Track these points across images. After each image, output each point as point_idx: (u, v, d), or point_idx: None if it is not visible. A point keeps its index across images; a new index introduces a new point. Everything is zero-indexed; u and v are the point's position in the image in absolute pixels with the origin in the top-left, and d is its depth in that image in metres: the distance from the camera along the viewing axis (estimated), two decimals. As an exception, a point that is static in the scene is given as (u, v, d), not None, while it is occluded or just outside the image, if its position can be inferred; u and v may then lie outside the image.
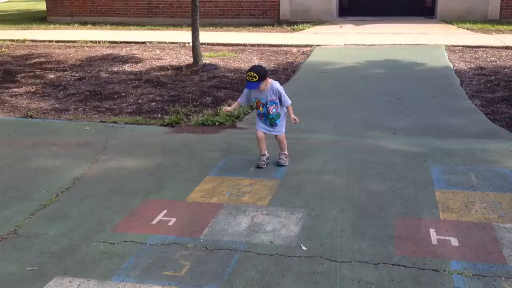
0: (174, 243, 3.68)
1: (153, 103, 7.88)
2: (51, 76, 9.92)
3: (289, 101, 5.00)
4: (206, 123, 6.64)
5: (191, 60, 10.71)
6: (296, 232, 3.81)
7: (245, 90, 5.06)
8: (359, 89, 8.40)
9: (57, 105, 7.83)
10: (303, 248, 3.59)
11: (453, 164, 5.05)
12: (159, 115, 7.18)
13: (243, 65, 10.51)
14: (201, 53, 10.63)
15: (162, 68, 10.51)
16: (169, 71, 10.16)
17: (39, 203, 4.39)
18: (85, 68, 10.66)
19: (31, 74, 10.13)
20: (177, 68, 10.38)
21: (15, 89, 8.87)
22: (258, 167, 5.05)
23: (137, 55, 11.95)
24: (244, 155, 5.43)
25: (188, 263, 3.43)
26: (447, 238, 3.67)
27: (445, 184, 4.60)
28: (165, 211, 4.18)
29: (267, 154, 5.14)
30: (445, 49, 11.63)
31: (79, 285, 3.19)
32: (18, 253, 3.60)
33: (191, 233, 3.83)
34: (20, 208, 4.31)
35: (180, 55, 11.96)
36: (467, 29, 14.42)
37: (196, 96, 8.21)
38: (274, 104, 4.92)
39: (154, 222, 4.02)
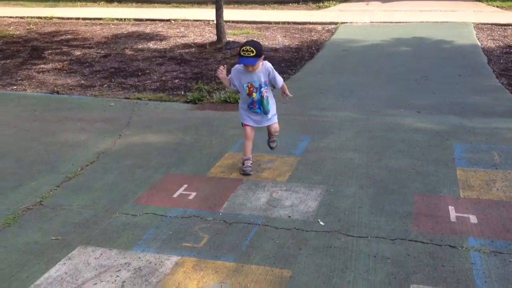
0: (193, 216, 3.75)
1: (176, 80, 7.94)
2: (77, 53, 10.06)
3: (282, 79, 4.41)
4: (228, 101, 6.67)
5: (215, 38, 10.71)
6: (314, 208, 3.84)
7: (234, 71, 4.32)
8: (384, 67, 8.31)
9: (83, 82, 7.95)
10: (321, 223, 3.62)
11: (476, 143, 4.99)
12: (182, 92, 7.23)
13: (267, 43, 10.47)
14: (225, 31, 10.62)
15: (186, 45, 10.54)
16: (193, 49, 10.19)
17: (65, 176, 4.51)
18: (111, 45, 10.77)
19: (58, 51, 10.28)
20: (201, 46, 10.40)
21: (42, 66, 9.03)
22: (246, 174, 4.43)
23: (161, 33, 12.01)
24: (264, 132, 5.45)
25: (207, 235, 3.49)
26: (466, 215, 3.65)
27: (467, 162, 4.56)
28: (185, 185, 4.25)
29: (251, 158, 4.54)
30: (474, 27, 11.38)
31: (101, 254, 3.29)
32: (43, 223, 3.71)
33: (211, 207, 3.89)
34: (46, 180, 4.43)
35: (204, 32, 11.98)
36: (497, 7, 14.07)
37: (219, 73, 8.23)
38: (266, 87, 4.29)
39: (175, 195, 4.09)
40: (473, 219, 3.60)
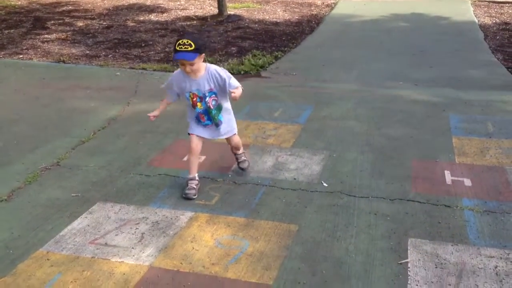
0: (204, 177, 3.96)
1: (180, 52, 8.07)
2: (80, 24, 10.15)
3: (238, 83, 3.66)
4: (232, 72, 6.81)
5: (216, 11, 10.82)
6: (318, 171, 4.06)
7: (174, 79, 3.68)
8: (383, 42, 8.48)
9: (87, 52, 8.08)
10: (324, 184, 3.85)
11: (471, 113, 5.22)
12: (186, 63, 7.38)
13: (267, 17, 10.59)
14: (226, 4, 10.72)
15: (187, 18, 10.64)
16: (195, 21, 10.30)
17: (78, 140, 4.70)
18: (112, 17, 10.85)
19: (60, 21, 10.36)
20: (202, 19, 10.51)
21: (46, 36, 9.13)
22: (187, 197, 3.63)
23: (162, 5, 12.08)
24: (268, 102, 5.65)
25: (218, 194, 3.71)
26: (461, 179, 3.88)
27: (462, 131, 4.79)
28: (195, 150, 4.45)
29: (197, 178, 3.76)
30: (471, 3, 11.52)
31: (120, 209, 3.51)
32: (62, 181, 3.92)
33: (220, 169, 4.10)
34: (61, 143, 4.63)
35: (204, 5, 12.05)
36: (495, -16, 14.17)
37: (221, 46, 8.38)
38: (213, 95, 3.63)
39: (185, 159, 4.30)
40: (467, 182, 3.83)
